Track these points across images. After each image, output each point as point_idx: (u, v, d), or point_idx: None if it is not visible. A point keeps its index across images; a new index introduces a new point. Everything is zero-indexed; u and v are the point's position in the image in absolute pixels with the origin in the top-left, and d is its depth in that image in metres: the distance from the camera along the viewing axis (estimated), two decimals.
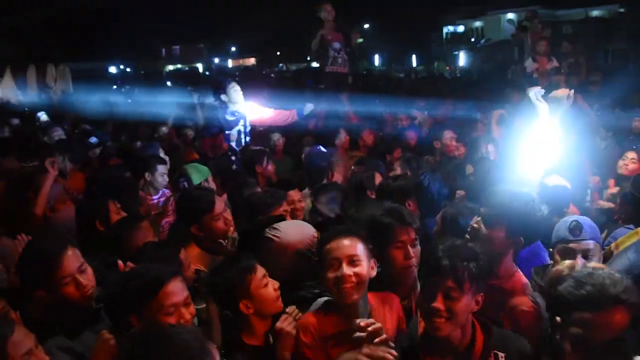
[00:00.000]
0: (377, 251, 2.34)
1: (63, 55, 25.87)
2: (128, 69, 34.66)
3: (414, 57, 38.24)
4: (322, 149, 5.62)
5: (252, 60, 43.06)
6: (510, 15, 25.26)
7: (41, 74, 23.56)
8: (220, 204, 3.29)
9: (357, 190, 4.05)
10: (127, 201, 3.72)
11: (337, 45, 8.74)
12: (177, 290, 2.05)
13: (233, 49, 45.30)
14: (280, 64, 38.32)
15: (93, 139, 7.32)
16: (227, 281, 2.20)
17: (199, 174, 4.38)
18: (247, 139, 6.60)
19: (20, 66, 22.98)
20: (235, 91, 6.50)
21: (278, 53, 41.59)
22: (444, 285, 1.95)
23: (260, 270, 2.24)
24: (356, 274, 2.15)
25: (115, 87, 24.70)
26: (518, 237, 2.53)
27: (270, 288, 2.24)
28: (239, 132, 6.54)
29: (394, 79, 21.62)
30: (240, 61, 42.98)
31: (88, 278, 2.35)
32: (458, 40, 39.40)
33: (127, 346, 1.63)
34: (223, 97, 6.51)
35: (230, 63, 42.54)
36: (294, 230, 2.58)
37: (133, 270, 2.24)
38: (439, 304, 1.94)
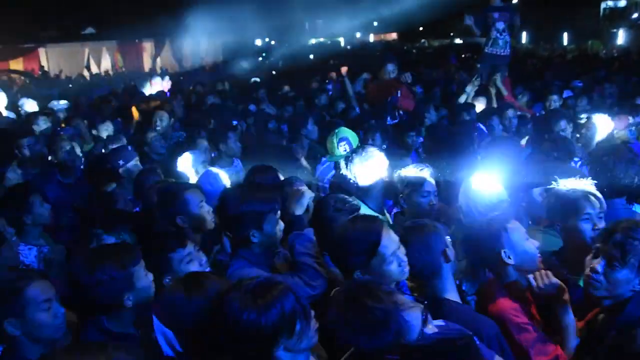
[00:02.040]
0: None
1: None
2: (273, 42, 35.77)
3: (564, 35, 35.78)
4: None
5: (393, 35, 42.69)
6: None
7: (195, 46, 25.02)
8: None
9: None
10: None
11: (501, 25, 8.16)
12: None
13: (375, 23, 45.11)
14: (423, 40, 37.66)
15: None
16: None
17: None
18: None
19: (178, 39, 24.39)
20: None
21: (420, 29, 40.80)
22: (610, 253, 2.36)
23: None
24: None
25: (260, 59, 25.62)
26: None
27: None
28: None
29: (542, 57, 20.49)
30: (382, 36, 42.72)
31: None
32: (618, 17, 36.25)
33: None
34: None
35: (371, 37, 42.43)
36: None
37: None
38: (598, 265, 2.39)
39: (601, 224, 2.99)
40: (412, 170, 3.79)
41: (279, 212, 3.05)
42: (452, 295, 2.71)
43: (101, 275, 2.56)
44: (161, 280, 2.87)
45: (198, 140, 5.80)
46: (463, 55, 22.07)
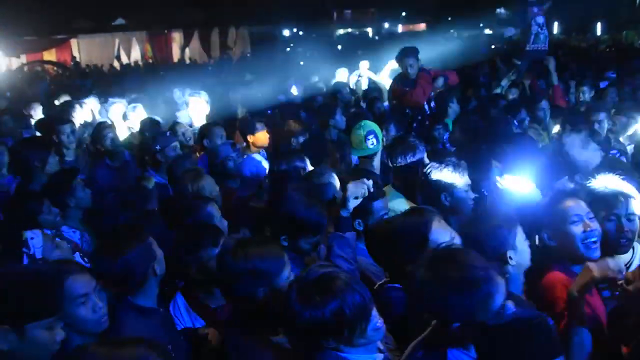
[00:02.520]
0: None
1: (241, 18, 27.36)
2: (300, 32, 35.76)
3: (598, 25, 34.98)
4: None
5: (422, 26, 42.30)
6: None
7: (223, 37, 25.14)
8: None
9: None
10: None
11: (541, 20, 7.84)
12: None
13: (403, 14, 44.76)
14: (452, 30, 37.23)
15: None
16: None
17: None
18: None
19: (206, 29, 24.66)
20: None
21: (449, 19, 40.37)
22: None
23: None
24: None
25: (288, 49, 25.61)
26: None
27: None
28: None
29: (575, 48, 20.11)
30: (410, 27, 42.38)
31: None
32: None
33: None
34: None
35: (400, 28, 42.14)
36: None
37: None
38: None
39: (630, 226, 2.92)
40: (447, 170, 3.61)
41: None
42: None
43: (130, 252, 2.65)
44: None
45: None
46: (492, 46, 21.78)
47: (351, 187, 3.20)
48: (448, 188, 3.56)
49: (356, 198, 3.17)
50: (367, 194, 3.22)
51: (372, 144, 4.71)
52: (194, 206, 3.61)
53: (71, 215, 4.13)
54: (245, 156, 5.29)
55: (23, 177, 4.78)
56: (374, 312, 2.17)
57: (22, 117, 7.73)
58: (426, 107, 6.97)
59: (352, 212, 3.19)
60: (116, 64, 25.96)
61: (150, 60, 28.08)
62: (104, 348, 1.74)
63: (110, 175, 5.43)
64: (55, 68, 24.13)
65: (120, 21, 29.39)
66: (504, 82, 7.74)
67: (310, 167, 4.23)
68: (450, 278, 2.07)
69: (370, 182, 3.25)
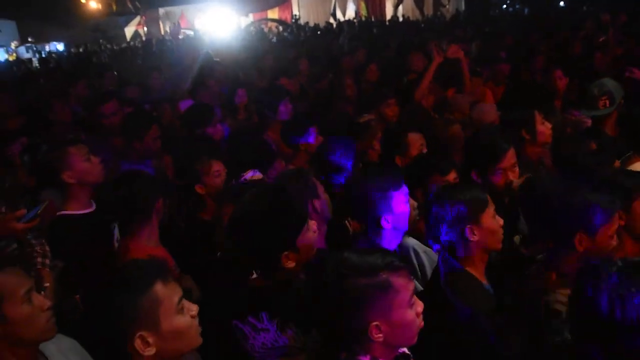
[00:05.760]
0: None
1: None
2: None
3: None
4: None
5: None
6: None
7: None
8: None
9: None
10: None
11: None
12: None
13: None
14: None
15: None
16: None
17: None
18: None
19: None
20: None
21: None
22: None
23: None
24: None
25: (504, 6, 24.49)
26: None
27: None
28: None
29: None
30: None
31: None
32: None
33: None
34: None
35: None
36: None
37: None
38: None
39: None
40: None
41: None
42: None
43: None
44: None
45: None
46: None
47: None
48: None
49: None
50: None
51: None
52: None
53: None
54: None
55: None
56: None
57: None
58: None
59: None
60: (332, 21, 26.94)
61: (363, 18, 28.69)
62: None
63: None
64: (277, 25, 25.82)
65: None
66: None
67: None
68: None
69: None
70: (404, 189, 2.98)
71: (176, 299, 1.85)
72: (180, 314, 1.85)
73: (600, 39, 8.36)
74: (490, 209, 2.55)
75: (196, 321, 1.91)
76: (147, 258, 1.99)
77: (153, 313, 1.78)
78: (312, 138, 4.53)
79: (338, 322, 1.90)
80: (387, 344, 1.95)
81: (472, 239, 2.49)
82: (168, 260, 3.05)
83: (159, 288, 1.81)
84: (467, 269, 2.53)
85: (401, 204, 2.94)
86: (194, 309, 1.91)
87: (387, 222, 2.91)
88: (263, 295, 2.31)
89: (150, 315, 1.78)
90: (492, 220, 2.55)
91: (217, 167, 3.68)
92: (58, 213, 3.18)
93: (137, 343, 1.76)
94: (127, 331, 1.75)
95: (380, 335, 1.88)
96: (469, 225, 2.48)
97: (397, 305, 1.90)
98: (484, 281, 2.56)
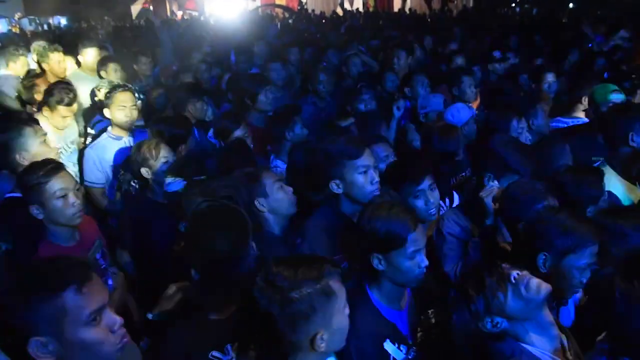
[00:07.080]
0: None
1: None
2: None
3: None
4: None
5: None
6: None
7: None
8: None
9: None
10: None
11: None
12: None
13: None
14: None
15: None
16: None
17: None
18: None
19: None
20: None
21: None
22: None
23: None
24: None
25: (513, 5, 24.18)
26: None
27: None
28: None
29: None
30: None
31: None
32: None
33: None
34: None
35: None
36: None
37: None
38: None
39: None
40: None
41: None
42: None
43: None
44: None
45: None
46: None
47: None
48: None
49: None
50: None
51: None
52: None
53: (285, 148, 4.42)
54: None
55: None
56: None
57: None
58: None
59: None
60: (339, 12, 26.70)
61: (371, 10, 28.44)
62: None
63: (313, 111, 5.79)
64: (283, 12, 25.59)
65: None
66: None
67: None
68: None
69: None
70: (363, 160, 2.89)
71: (88, 310, 1.67)
72: (90, 326, 1.69)
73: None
74: None
75: (115, 336, 1.75)
76: (65, 260, 1.75)
77: (57, 321, 1.63)
78: (298, 128, 4.54)
79: (280, 339, 1.81)
80: (324, 354, 1.88)
81: None
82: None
83: (69, 297, 1.64)
84: None
85: (355, 174, 2.88)
86: (115, 322, 1.75)
87: (337, 187, 2.90)
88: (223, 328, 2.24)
89: (53, 323, 1.63)
90: None
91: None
92: (7, 195, 3.08)
93: (32, 348, 1.62)
94: (24, 334, 1.61)
95: (324, 344, 1.82)
96: None
97: (336, 310, 1.85)
98: None
